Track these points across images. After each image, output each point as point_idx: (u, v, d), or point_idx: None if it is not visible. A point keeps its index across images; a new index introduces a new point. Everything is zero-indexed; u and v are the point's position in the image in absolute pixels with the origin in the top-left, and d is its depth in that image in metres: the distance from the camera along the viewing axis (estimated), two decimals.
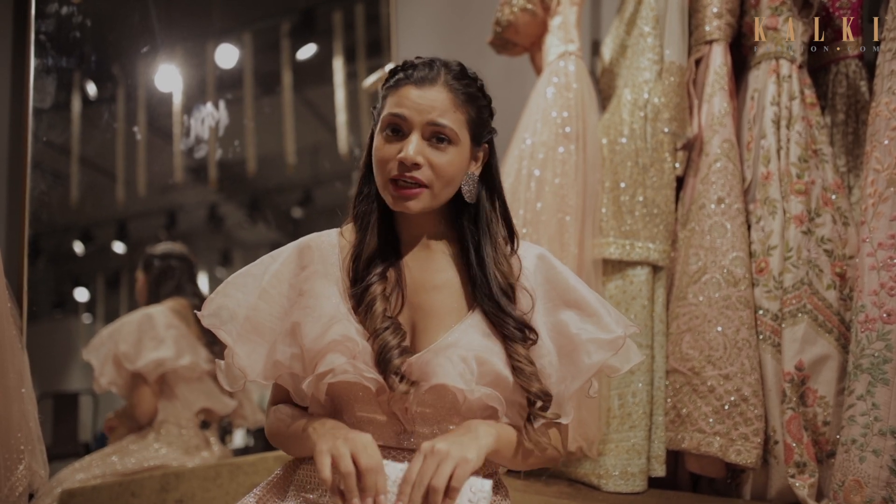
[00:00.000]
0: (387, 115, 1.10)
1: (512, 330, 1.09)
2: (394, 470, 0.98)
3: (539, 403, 1.07)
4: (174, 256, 2.41)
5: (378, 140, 1.11)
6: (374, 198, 1.15)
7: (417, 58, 1.14)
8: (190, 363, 2.24)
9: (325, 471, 0.94)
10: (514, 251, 1.18)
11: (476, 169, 1.16)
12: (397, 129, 1.09)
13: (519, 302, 1.13)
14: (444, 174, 1.09)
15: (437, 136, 1.08)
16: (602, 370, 1.13)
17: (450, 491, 0.93)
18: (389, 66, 1.18)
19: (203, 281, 2.56)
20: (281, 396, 1.18)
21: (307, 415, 1.13)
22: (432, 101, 1.08)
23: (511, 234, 1.18)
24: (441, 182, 1.09)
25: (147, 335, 2.20)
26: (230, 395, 2.37)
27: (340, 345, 1.02)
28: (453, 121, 1.09)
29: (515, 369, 1.07)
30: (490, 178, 1.18)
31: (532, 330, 1.10)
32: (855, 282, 1.56)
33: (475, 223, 1.16)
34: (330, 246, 1.16)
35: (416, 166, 1.07)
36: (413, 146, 1.06)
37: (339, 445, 0.95)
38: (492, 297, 1.11)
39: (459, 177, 1.12)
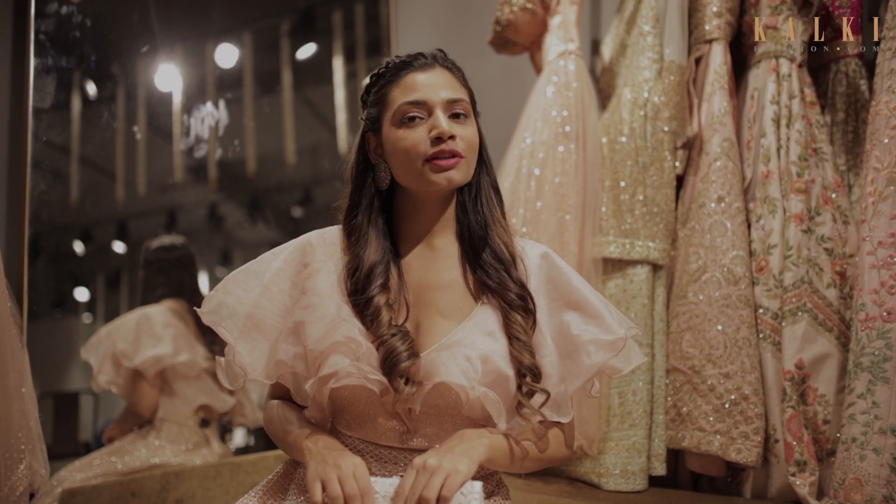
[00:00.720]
0: (401, 106, 1.10)
1: (513, 297, 1.11)
2: (384, 486, 0.99)
3: (528, 377, 1.07)
4: (171, 256, 2.40)
5: (395, 134, 1.11)
6: (369, 209, 1.16)
7: (397, 56, 1.16)
8: (188, 360, 2.24)
9: (317, 496, 0.96)
10: (506, 223, 1.20)
11: None
12: (413, 117, 1.10)
13: (518, 269, 1.15)
14: (472, 145, 1.13)
15: (455, 112, 1.11)
16: (603, 371, 1.13)
17: (441, 501, 0.94)
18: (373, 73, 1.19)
19: (203, 280, 2.55)
20: (280, 391, 1.19)
21: (304, 422, 1.13)
22: (443, 81, 1.12)
23: (502, 208, 1.21)
24: (472, 153, 1.13)
25: (145, 333, 2.20)
26: (229, 392, 2.37)
27: (344, 346, 1.02)
28: (465, 95, 1.14)
29: (511, 338, 1.08)
30: (483, 159, 1.21)
31: (532, 300, 1.12)
32: (855, 280, 1.56)
33: (475, 199, 1.18)
34: (332, 243, 1.16)
35: (453, 138, 1.09)
36: (442, 120, 1.09)
37: (328, 471, 0.97)
38: (495, 266, 1.13)
39: (478, 150, 1.16)
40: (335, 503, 0.95)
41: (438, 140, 1.08)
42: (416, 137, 1.09)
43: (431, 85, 1.10)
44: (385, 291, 1.10)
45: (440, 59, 1.15)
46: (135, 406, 2.20)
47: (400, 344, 1.04)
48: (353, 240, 1.15)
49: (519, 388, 1.07)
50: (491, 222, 1.16)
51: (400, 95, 1.11)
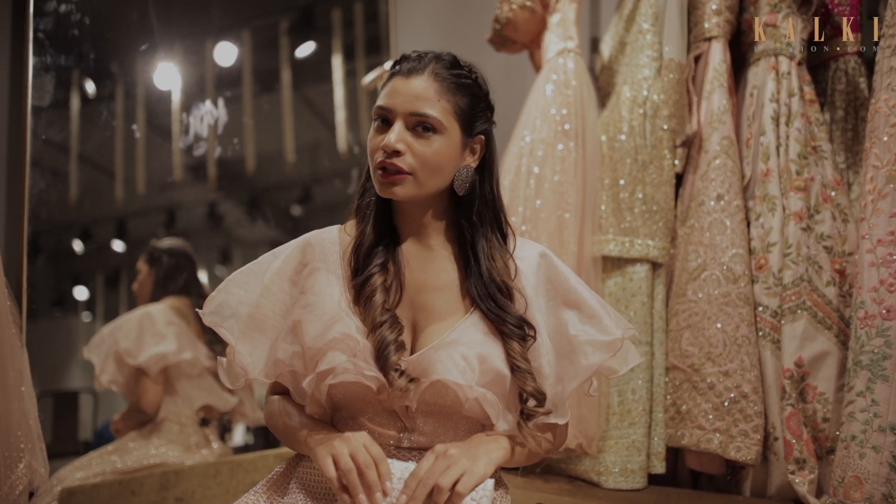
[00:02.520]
0: (375, 108, 1.12)
1: (511, 328, 1.09)
2: (399, 468, 1.00)
3: (532, 402, 1.08)
4: (181, 254, 2.41)
5: (370, 132, 1.13)
6: (374, 192, 1.16)
7: (413, 52, 1.14)
8: (191, 358, 2.23)
9: (330, 470, 0.97)
10: (505, 248, 1.16)
11: (473, 161, 1.15)
12: (385, 120, 1.10)
13: (515, 301, 1.12)
14: (428, 163, 1.08)
15: (421, 126, 1.08)
16: (600, 371, 1.14)
17: (454, 496, 0.95)
18: (388, 64, 1.19)
19: (203, 279, 2.55)
20: (280, 387, 1.19)
21: (305, 416, 1.13)
22: (416, 91, 1.08)
23: (503, 232, 1.17)
24: (426, 171, 1.09)
25: (148, 331, 2.20)
26: (231, 391, 2.37)
27: (341, 343, 1.03)
28: (437, 110, 1.08)
29: (512, 367, 1.07)
30: (485, 172, 1.17)
31: (531, 327, 1.10)
32: (854, 278, 1.56)
33: (470, 217, 1.15)
34: (331, 242, 1.17)
35: (397, 153, 1.07)
36: (394, 134, 1.07)
37: (336, 445, 0.98)
38: (489, 295, 1.11)
39: (449, 167, 1.11)
40: (348, 476, 0.95)
41: (385, 152, 1.08)
42: (376, 143, 1.10)
43: (404, 94, 1.08)
44: (383, 272, 1.11)
45: (435, 66, 1.10)
46: (138, 404, 2.20)
47: (389, 333, 1.05)
48: (359, 218, 1.17)
49: (521, 399, 1.08)
50: (484, 245, 1.13)
51: (381, 97, 1.12)
